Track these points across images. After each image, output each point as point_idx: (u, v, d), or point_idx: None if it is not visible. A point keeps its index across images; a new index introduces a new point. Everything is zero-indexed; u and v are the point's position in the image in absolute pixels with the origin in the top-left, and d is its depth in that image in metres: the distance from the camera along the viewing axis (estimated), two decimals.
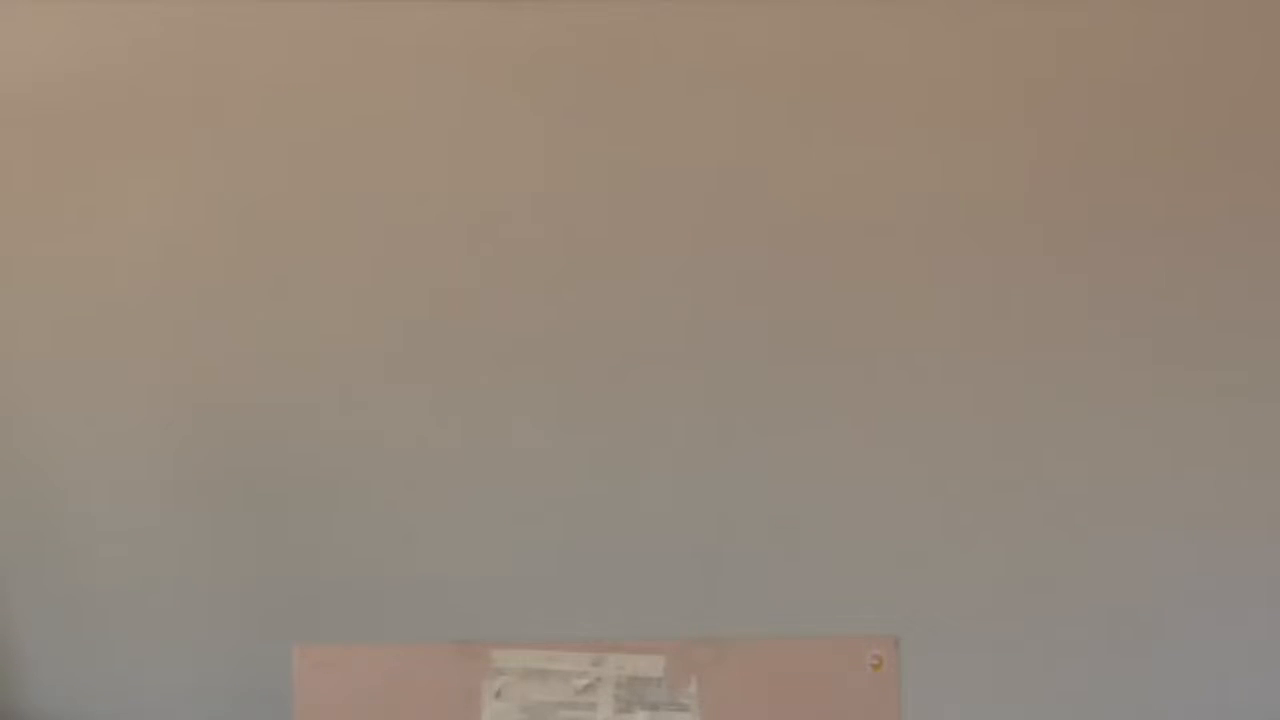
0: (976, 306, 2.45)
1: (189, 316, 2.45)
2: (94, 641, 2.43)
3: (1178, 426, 2.44)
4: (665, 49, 2.46)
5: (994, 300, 2.45)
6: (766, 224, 2.45)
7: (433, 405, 2.45)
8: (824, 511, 2.44)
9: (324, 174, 2.46)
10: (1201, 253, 2.45)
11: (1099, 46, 2.47)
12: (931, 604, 2.44)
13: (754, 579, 2.44)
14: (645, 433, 2.45)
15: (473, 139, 2.46)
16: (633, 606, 2.44)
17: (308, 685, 2.41)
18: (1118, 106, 2.46)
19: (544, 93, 2.46)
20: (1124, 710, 2.44)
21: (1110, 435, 2.45)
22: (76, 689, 2.43)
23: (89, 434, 2.44)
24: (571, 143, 2.46)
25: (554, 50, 2.46)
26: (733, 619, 2.44)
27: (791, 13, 2.46)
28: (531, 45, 2.45)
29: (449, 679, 2.42)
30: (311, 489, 2.44)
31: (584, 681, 2.42)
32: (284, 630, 2.43)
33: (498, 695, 2.43)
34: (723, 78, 2.46)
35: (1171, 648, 2.44)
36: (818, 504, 2.44)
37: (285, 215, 2.45)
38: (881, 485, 2.44)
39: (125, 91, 2.45)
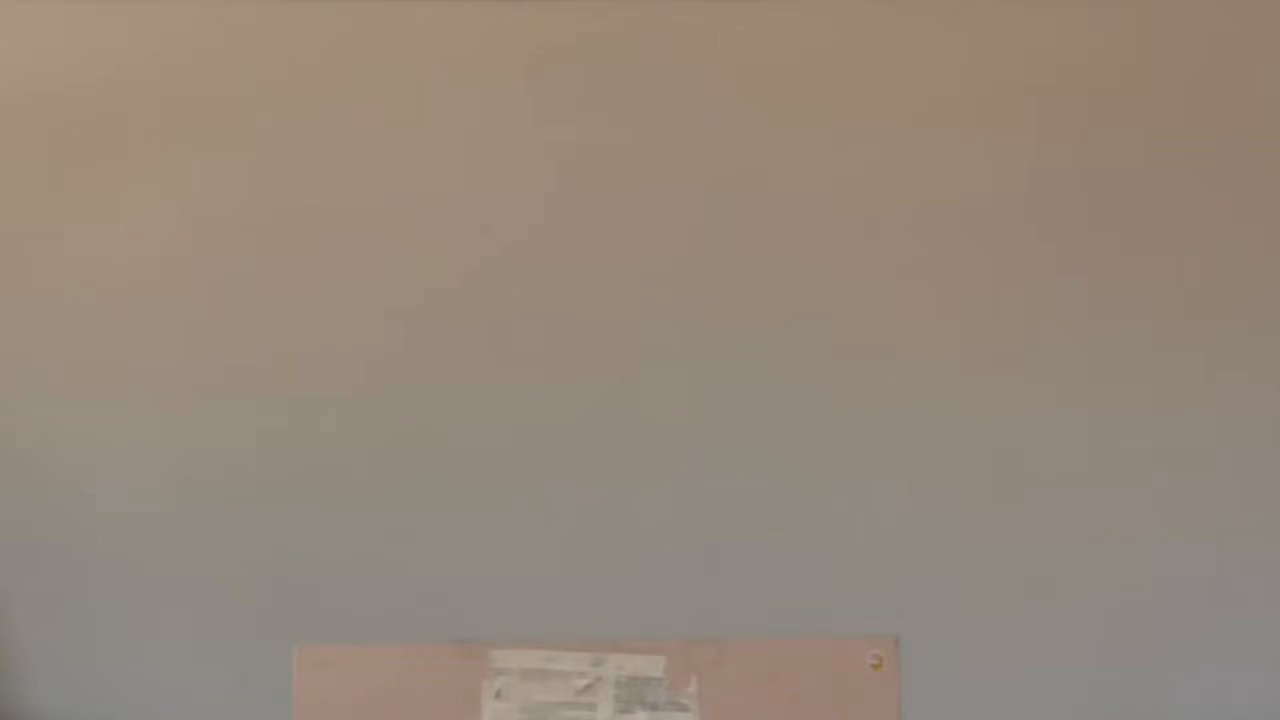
0: (976, 306, 2.45)
1: (187, 317, 2.45)
2: (94, 641, 2.43)
3: (1178, 427, 2.44)
4: (665, 49, 2.46)
5: (994, 300, 2.45)
6: (766, 224, 2.45)
7: (432, 404, 2.44)
8: (824, 511, 2.44)
9: (325, 173, 2.46)
10: (1202, 253, 2.45)
11: (1099, 46, 2.47)
12: (931, 604, 2.44)
13: (754, 579, 2.44)
14: (645, 432, 2.45)
15: (473, 138, 2.46)
16: (633, 606, 2.44)
17: (308, 685, 2.42)
18: (1119, 106, 2.46)
19: (545, 93, 2.46)
20: (1124, 710, 2.44)
21: (1110, 435, 2.45)
22: (76, 689, 2.43)
23: (89, 434, 2.44)
24: (572, 143, 2.46)
25: (554, 50, 2.46)
26: (733, 619, 2.44)
27: (791, 13, 2.46)
28: (532, 45, 2.45)
29: (449, 679, 2.43)
30: (311, 489, 2.44)
31: (584, 681, 2.43)
32: (284, 630, 2.43)
33: (498, 695, 2.43)
34: (723, 78, 2.46)
35: (1171, 648, 2.44)
36: (817, 504, 2.44)
37: (286, 214, 2.46)
38: (881, 485, 2.44)
39: (128, 92, 2.45)
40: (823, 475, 2.44)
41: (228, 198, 2.45)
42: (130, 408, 2.44)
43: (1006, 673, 2.44)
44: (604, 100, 2.46)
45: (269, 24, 2.45)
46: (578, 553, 2.44)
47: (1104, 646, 2.44)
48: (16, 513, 2.44)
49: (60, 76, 2.45)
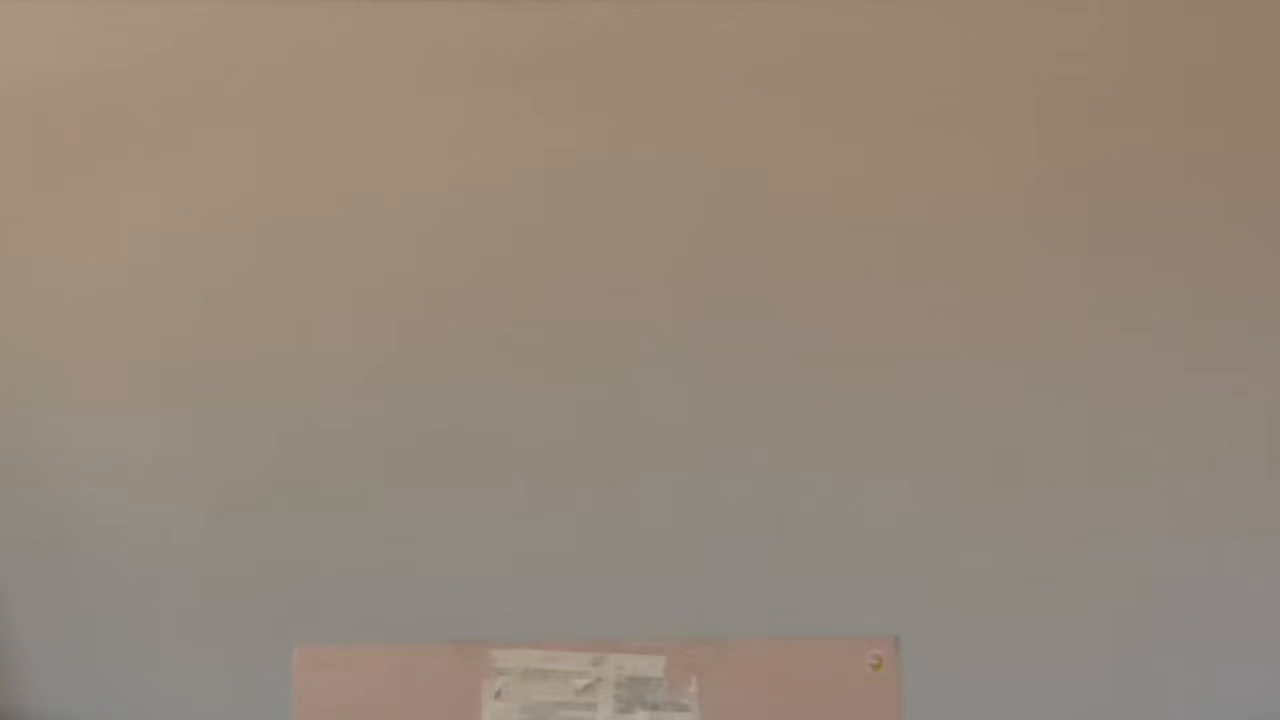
0: (976, 306, 2.45)
1: (188, 316, 2.45)
2: (94, 641, 2.43)
3: (1178, 426, 2.44)
4: (665, 49, 2.46)
5: (994, 300, 2.45)
6: (766, 224, 2.46)
7: (432, 404, 2.45)
8: (824, 511, 2.44)
9: (324, 174, 2.46)
10: (1202, 253, 2.46)
11: (1099, 46, 2.47)
12: (931, 604, 2.44)
13: (754, 579, 2.44)
14: (645, 432, 2.45)
15: (472, 139, 2.46)
16: (633, 606, 2.44)
17: (308, 685, 2.42)
18: (1118, 106, 2.46)
19: (544, 93, 2.46)
20: (1124, 710, 2.44)
21: (1110, 435, 2.45)
22: (76, 689, 2.43)
23: (89, 434, 2.44)
24: (573, 142, 2.46)
25: (554, 50, 2.46)
26: (733, 619, 2.44)
27: (791, 13, 2.46)
28: (531, 45, 2.45)
29: (449, 679, 2.43)
30: (311, 488, 2.44)
31: (584, 681, 2.43)
32: (284, 630, 2.43)
33: (498, 695, 2.43)
34: (723, 78, 2.46)
35: (1171, 648, 2.44)
36: (817, 504, 2.44)
37: (286, 215, 2.46)
38: (881, 485, 2.45)
39: (127, 92, 2.45)
40: (822, 475, 2.44)
41: (226, 199, 2.45)
42: (130, 408, 2.44)
43: (1006, 673, 2.44)
44: (603, 100, 2.46)
45: (269, 24, 2.46)
46: (578, 553, 2.44)
47: (1104, 646, 2.44)
48: (16, 513, 2.44)
49: (60, 76, 2.45)
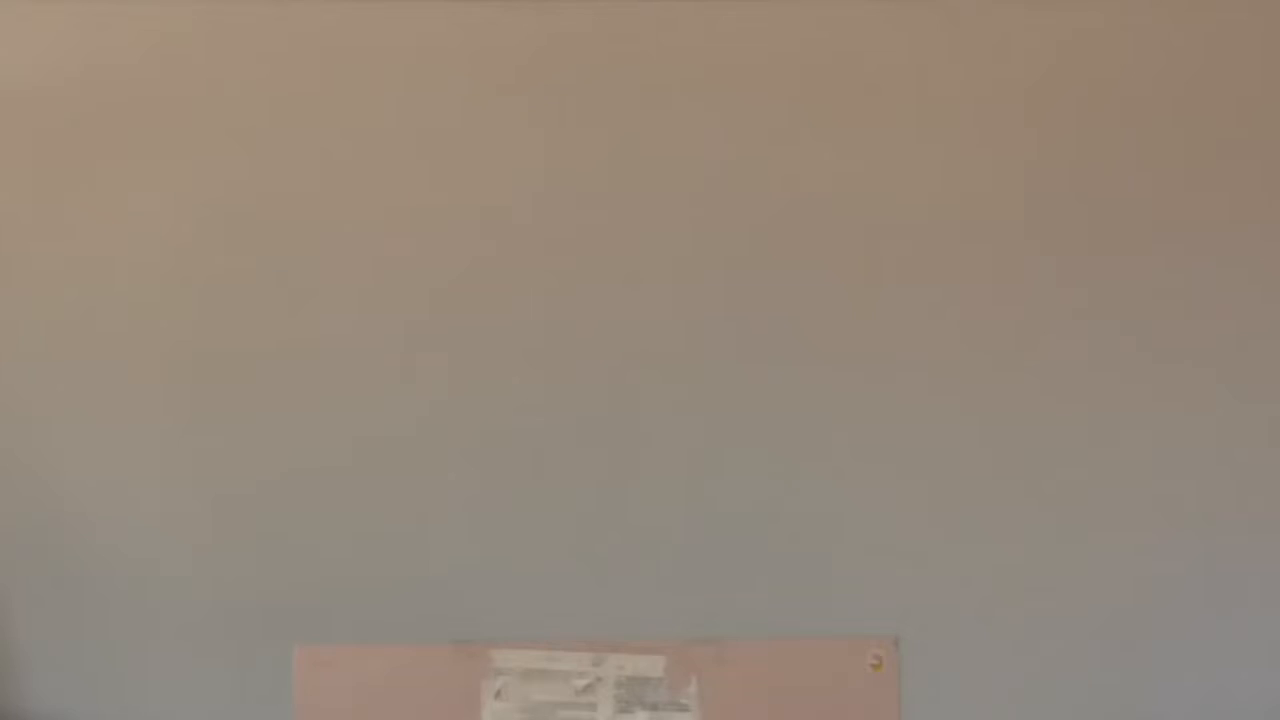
0: (975, 307, 2.45)
1: (189, 317, 2.45)
2: (94, 642, 2.43)
3: (1177, 426, 2.45)
4: (665, 49, 2.46)
5: (994, 301, 2.45)
6: (765, 224, 2.46)
7: (432, 405, 2.45)
8: (824, 511, 2.44)
9: (324, 174, 2.46)
10: (1202, 254, 2.46)
11: (1099, 47, 2.47)
12: (931, 604, 2.44)
13: (754, 579, 2.44)
14: (645, 432, 2.45)
15: (472, 139, 2.46)
16: (633, 606, 2.44)
17: (308, 685, 2.42)
18: (1118, 108, 2.46)
19: (544, 93, 2.46)
20: (1124, 710, 2.44)
21: (1110, 435, 2.45)
22: (76, 689, 2.43)
23: (89, 434, 2.44)
24: (571, 143, 2.46)
25: (554, 50, 2.46)
26: (732, 619, 2.44)
27: (791, 13, 2.46)
28: (531, 45, 2.45)
29: (449, 679, 2.43)
30: (311, 488, 2.44)
31: (584, 681, 2.43)
32: (284, 630, 2.43)
33: (498, 695, 2.43)
34: (722, 78, 2.46)
35: (1171, 648, 2.44)
36: (817, 504, 2.44)
37: (285, 216, 2.46)
38: (882, 485, 2.45)
39: (127, 92, 2.45)
40: (823, 475, 2.44)
41: (226, 200, 2.45)
42: (129, 408, 2.44)
43: (1006, 673, 2.44)
44: (602, 100, 2.46)
45: (267, 23, 2.45)
46: (578, 553, 2.44)
47: (1104, 646, 2.44)
48: (16, 513, 2.44)
49: (60, 76, 2.45)
